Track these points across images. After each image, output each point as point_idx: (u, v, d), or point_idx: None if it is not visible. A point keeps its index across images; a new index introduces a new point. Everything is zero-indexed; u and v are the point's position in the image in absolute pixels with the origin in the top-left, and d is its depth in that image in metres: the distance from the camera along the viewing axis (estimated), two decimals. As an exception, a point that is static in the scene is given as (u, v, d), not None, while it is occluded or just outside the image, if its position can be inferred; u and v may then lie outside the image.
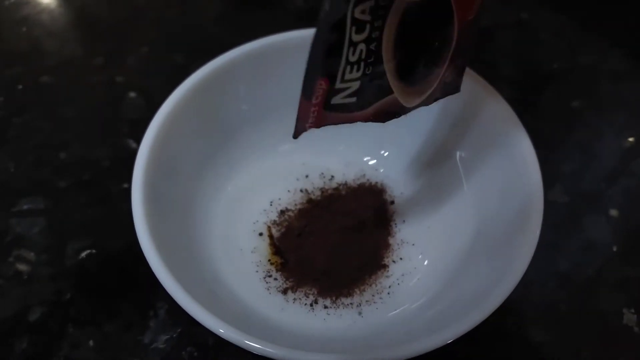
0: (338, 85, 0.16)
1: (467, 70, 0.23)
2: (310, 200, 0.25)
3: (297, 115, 0.17)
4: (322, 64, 0.16)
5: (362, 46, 0.16)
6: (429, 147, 0.25)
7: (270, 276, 0.23)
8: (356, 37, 0.16)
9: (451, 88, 0.20)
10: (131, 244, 0.25)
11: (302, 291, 0.22)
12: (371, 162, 0.26)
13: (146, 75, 0.32)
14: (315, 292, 0.22)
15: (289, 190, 0.26)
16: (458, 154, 0.24)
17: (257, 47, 0.24)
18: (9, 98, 0.31)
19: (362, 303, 0.22)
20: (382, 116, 0.19)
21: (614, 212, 0.27)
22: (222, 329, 0.17)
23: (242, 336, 0.17)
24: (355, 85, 0.17)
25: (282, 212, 0.25)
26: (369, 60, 0.16)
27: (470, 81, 0.23)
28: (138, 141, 0.22)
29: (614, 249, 0.25)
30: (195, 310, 0.18)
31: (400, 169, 0.26)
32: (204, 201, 0.24)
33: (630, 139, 0.29)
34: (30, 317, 0.23)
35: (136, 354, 0.22)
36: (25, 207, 0.27)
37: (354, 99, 0.17)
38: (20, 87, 0.31)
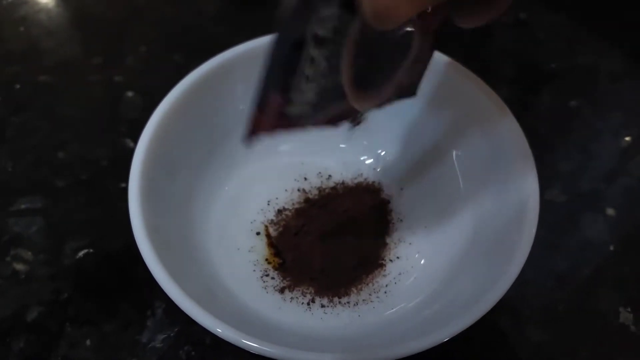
0: (293, 97, 0.16)
1: (463, 69, 0.23)
2: (307, 200, 0.25)
3: (247, 123, 0.17)
4: (277, 79, 0.16)
5: (321, 60, 0.16)
6: (425, 146, 0.25)
7: (267, 275, 0.23)
8: (315, 53, 0.16)
9: (407, 91, 0.20)
10: (129, 244, 0.25)
11: (299, 290, 0.23)
12: (368, 162, 0.26)
13: (145, 74, 0.32)
14: (313, 291, 0.22)
15: (286, 190, 0.26)
16: (454, 153, 0.24)
17: (255, 46, 0.24)
18: (7, 97, 0.31)
19: (359, 302, 0.22)
20: (335, 121, 0.19)
21: (611, 212, 0.27)
22: (219, 328, 0.17)
23: (240, 335, 0.17)
24: (311, 95, 0.17)
25: (280, 212, 0.25)
26: (326, 73, 0.16)
27: (467, 80, 0.23)
28: (136, 141, 0.22)
29: (611, 248, 0.25)
30: (192, 309, 0.18)
31: (397, 168, 0.26)
32: (201, 200, 0.24)
33: (628, 139, 0.29)
34: (28, 316, 0.23)
35: (134, 353, 0.22)
36: (23, 206, 0.27)
37: (309, 110, 0.17)
38: (18, 86, 0.31)
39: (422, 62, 0.19)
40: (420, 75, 0.20)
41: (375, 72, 0.18)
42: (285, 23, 0.15)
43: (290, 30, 0.15)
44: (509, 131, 0.21)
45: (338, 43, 0.16)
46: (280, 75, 0.16)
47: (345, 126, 0.19)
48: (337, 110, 0.18)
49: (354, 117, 0.19)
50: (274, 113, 0.17)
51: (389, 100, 0.19)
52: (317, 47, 0.15)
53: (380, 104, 0.19)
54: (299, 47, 0.15)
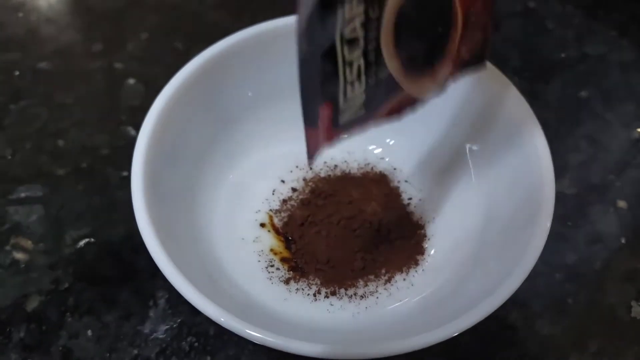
0: (342, 106, 0.16)
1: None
2: (313, 190, 0.25)
3: (306, 143, 0.16)
4: (320, 92, 0.15)
5: (358, 61, 0.15)
6: (435, 135, 0.24)
7: (272, 266, 0.23)
8: (350, 56, 0.15)
9: (473, 63, 0.18)
10: (130, 233, 0.25)
11: (304, 281, 0.22)
12: (376, 151, 0.26)
13: (146, 61, 0.31)
14: (319, 283, 0.22)
15: (291, 179, 0.25)
16: (466, 143, 0.23)
17: (259, 31, 0.23)
18: (6, 84, 0.30)
19: (366, 294, 0.22)
20: (396, 114, 0.18)
21: (622, 204, 0.26)
22: (223, 318, 0.17)
23: (244, 325, 0.17)
24: (361, 98, 0.16)
25: (285, 202, 0.24)
26: (369, 72, 0.16)
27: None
28: (137, 128, 0.21)
29: (622, 241, 0.25)
30: (196, 298, 0.17)
31: (405, 158, 0.25)
32: (205, 189, 0.23)
33: (639, 130, 0.29)
34: (28, 306, 0.23)
35: (136, 344, 0.22)
36: (22, 194, 0.26)
37: (362, 112, 0.16)
38: (17, 73, 0.31)
39: (480, 29, 0.17)
40: (481, 43, 0.18)
41: (423, 51, 0.17)
42: (305, 35, 0.14)
43: (314, 42, 0.14)
44: (525, 124, 0.21)
45: (371, 37, 0.15)
46: (320, 89, 0.15)
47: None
48: (396, 103, 0.17)
49: (417, 107, 0.18)
50: (327, 127, 0.16)
51: (452, 78, 0.18)
52: (350, 48, 0.15)
53: (442, 85, 0.18)
54: (330, 54, 0.14)
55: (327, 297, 0.22)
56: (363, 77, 0.16)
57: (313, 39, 0.14)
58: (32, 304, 0.23)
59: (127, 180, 0.26)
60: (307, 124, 0.16)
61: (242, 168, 0.25)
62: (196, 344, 0.22)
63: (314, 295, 0.22)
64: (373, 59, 0.15)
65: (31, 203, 0.26)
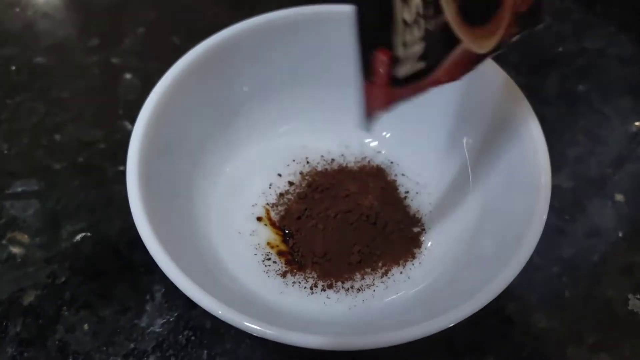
0: (400, 52, 0.14)
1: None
2: (310, 183, 0.25)
3: (361, 101, 0.15)
4: (374, 36, 0.14)
5: (417, 2, 0.14)
6: (432, 128, 0.24)
7: (269, 259, 0.23)
8: None
9: (530, 19, 0.17)
10: (127, 227, 0.25)
11: (301, 275, 0.22)
12: (372, 144, 0.26)
13: (143, 56, 0.31)
14: (315, 276, 0.22)
15: (288, 173, 0.25)
16: (463, 136, 0.23)
17: (255, 24, 0.23)
18: (3, 79, 0.30)
19: (363, 287, 0.22)
20: (456, 72, 0.16)
21: (619, 197, 0.26)
22: (220, 310, 0.17)
23: (241, 317, 0.17)
24: (420, 47, 0.15)
25: (281, 195, 0.24)
26: (427, 14, 0.14)
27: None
28: (134, 123, 0.21)
29: (620, 234, 0.25)
30: (193, 291, 0.17)
31: (401, 151, 0.25)
32: (201, 183, 0.23)
33: (637, 124, 0.29)
34: (24, 300, 0.23)
35: (132, 338, 0.22)
36: (19, 189, 0.26)
37: (422, 64, 0.15)
38: (13, 68, 0.31)
39: None
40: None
41: (482, 1, 0.16)
42: None
43: None
44: (523, 118, 0.21)
45: None
46: (376, 32, 0.14)
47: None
48: (455, 59, 0.16)
49: (475, 64, 0.17)
50: (384, 80, 0.14)
51: (511, 34, 0.17)
52: None
53: (502, 41, 0.17)
54: None
55: (324, 290, 0.22)
56: (422, 21, 0.14)
57: None
58: (29, 298, 0.23)
59: (123, 174, 0.26)
60: (363, 76, 0.14)
61: (238, 161, 0.25)
62: (193, 338, 0.22)
63: (311, 288, 0.22)
64: (431, 1, 0.15)
65: (28, 197, 0.26)
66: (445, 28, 0.15)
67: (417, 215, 0.24)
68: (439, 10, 0.15)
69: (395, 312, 0.20)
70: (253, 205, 0.24)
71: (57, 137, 0.28)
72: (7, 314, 0.22)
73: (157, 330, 0.22)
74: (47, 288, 0.23)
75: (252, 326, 0.17)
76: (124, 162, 0.27)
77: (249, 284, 0.21)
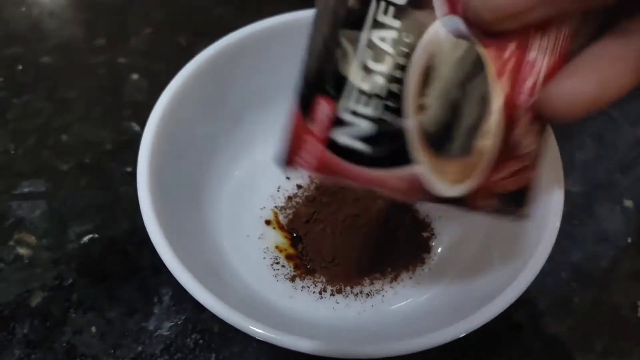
0: (343, 112, 0.13)
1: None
2: (318, 187, 0.24)
3: (286, 134, 0.13)
4: (324, 78, 0.13)
5: (379, 79, 0.13)
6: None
7: (277, 263, 0.23)
8: (373, 65, 0.13)
9: (514, 203, 0.15)
10: (134, 229, 0.25)
11: (310, 279, 0.22)
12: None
13: (149, 56, 0.31)
14: (324, 281, 0.22)
15: (296, 176, 0.25)
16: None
17: (266, 27, 0.23)
18: (9, 79, 0.30)
19: (372, 292, 0.22)
20: (410, 194, 0.14)
21: (628, 203, 0.26)
22: (227, 314, 0.17)
23: (249, 322, 0.17)
24: (368, 126, 0.13)
25: (290, 198, 0.24)
26: (388, 103, 0.13)
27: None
28: (141, 124, 0.21)
29: (629, 240, 0.25)
30: (201, 294, 0.17)
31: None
32: (210, 185, 0.23)
33: (646, 128, 0.29)
34: (31, 302, 0.23)
35: (140, 340, 0.22)
36: (26, 189, 0.26)
37: (365, 147, 0.13)
38: (20, 67, 0.31)
39: (529, 163, 0.14)
40: (524, 178, 0.14)
41: (455, 132, 0.14)
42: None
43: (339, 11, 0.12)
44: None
45: (400, 67, 0.13)
46: (326, 77, 0.13)
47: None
48: (405, 178, 0.14)
49: (437, 202, 0.14)
50: (321, 127, 0.13)
51: (488, 204, 0.14)
52: (377, 60, 0.13)
53: (475, 203, 0.14)
54: (357, 23, 0.12)
55: (333, 295, 0.22)
56: (379, 102, 0.13)
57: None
58: (36, 299, 0.23)
59: (130, 175, 0.26)
60: (299, 106, 0.13)
61: (247, 164, 0.25)
62: (201, 341, 0.22)
63: (320, 293, 0.22)
64: (395, 92, 0.13)
65: (34, 198, 0.26)
66: (402, 135, 0.13)
67: (426, 220, 0.23)
68: (401, 112, 0.13)
69: (404, 319, 0.20)
70: (262, 209, 0.24)
71: (64, 137, 0.28)
72: (14, 316, 0.22)
73: (165, 333, 0.22)
74: (54, 290, 0.23)
75: (259, 330, 0.17)
76: (131, 163, 0.27)
77: (258, 287, 0.21)
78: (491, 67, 0.14)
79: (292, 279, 0.22)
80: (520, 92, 0.14)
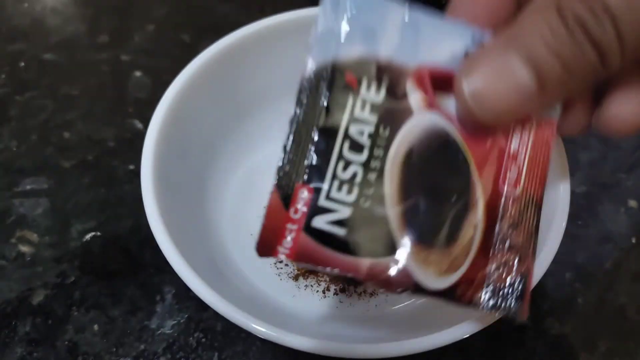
0: (322, 201, 0.13)
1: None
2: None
3: (266, 223, 0.13)
4: (302, 167, 0.13)
5: (356, 168, 0.13)
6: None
7: (280, 261, 0.22)
8: (350, 156, 0.13)
9: (508, 301, 0.14)
10: (137, 227, 0.25)
11: (313, 278, 0.22)
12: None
13: (152, 54, 0.31)
14: (327, 279, 0.22)
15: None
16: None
17: (270, 24, 0.23)
18: (11, 75, 0.30)
19: (376, 291, 0.22)
20: (390, 285, 0.14)
21: (632, 203, 0.26)
22: (230, 312, 0.17)
23: (252, 321, 0.17)
24: (346, 211, 0.13)
25: (293, 197, 0.24)
26: (365, 191, 0.14)
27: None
28: (144, 121, 0.21)
29: (633, 240, 0.25)
30: (204, 292, 0.17)
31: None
32: (214, 184, 0.23)
33: (651, 129, 0.28)
34: (33, 299, 0.23)
35: (142, 339, 0.22)
36: (28, 187, 0.26)
37: (342, 231, 0.13)
38: (22, 64, 0.31)
39: (518, 249, 0.14)
40: (519, 275, 0.14)
41: (432, 215, 0.14)
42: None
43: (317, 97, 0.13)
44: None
45: (377, 157, 0.14)
46: (306, 164, 0.13)
47: None
48: (385, 267, 0.13)
49: (420, 294, 0.14)
50: (302, 216, 0.13)
51: (476, 297, 0.14)
52: (353, 150, 0.13)
53: (463, 297, 0.14)
54: (329, 136, 0.13)
55: (336, 294, 0.22)
56: (356, 189, 0.13)
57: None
58: (38, 297, 0.23)
59: (133, 173, 0.26)
60: (279, 193, 0.13)
61: (251, 162, 0.25)
62: (203, 340, 0.22)
63: (323, 292, 0.22)
64: (372, 181, 0.14)
65: (37, 195, 0.26)
66: (384, 223, 0.13)
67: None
68: (381, 201, 0.13)
69: (408, 319, 0.20)
70: (265, 207, 0.24)
71: (67, 134, 0.28)
72: (16, 314, 0.22)
73: (168, 331, 0.22)
74: (56, 288, 0.23)
75: (261, 329, 0.16)
76: (133, 161, 0.27)
77: (261, 286, 0.21)
78: (471, 159, 0.14)
79: (296, 278, 0.22)
80: (504, 182, 0.14)
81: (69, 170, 0.26)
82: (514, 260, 0.14)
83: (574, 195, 0.26)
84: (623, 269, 0.24)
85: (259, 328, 0.16)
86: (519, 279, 0.14)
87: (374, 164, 0.14)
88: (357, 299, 0.22)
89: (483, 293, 0.14)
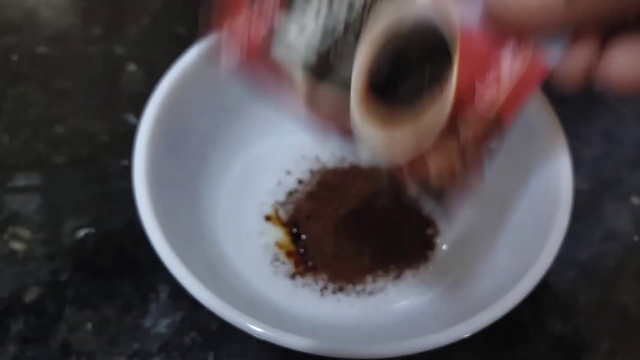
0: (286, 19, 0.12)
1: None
2: (320, 182, 0.24)
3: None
4: None
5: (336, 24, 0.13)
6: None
7: (277, 260, 0.22)
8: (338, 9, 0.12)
9: (435, 187, 0.14)
10: (131, 224, 0.24)
11: (311, 277, 0.22)
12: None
13: (147, 47, 0.30)
14: (326, 278, 0.22)
15: (297, 171, 0.24)
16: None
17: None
18: (4, 69, 0.30)
19: (375, 291, 0.21)
20: (338, 126, 0.13)
21: (636, 200, 0.26)
22: (225, 312, 0.16)
23: (247, 320, 0.16)
24: (311, 37, 0.12)
25: (290, 194, 0.24)
26: (342, 19, 0.13)
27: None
28: (138, 116, 0.21)
29: (635, 238, 0.24)
30: (198, 291, 0.17)
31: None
32: (209, 180, 0.23)
33: (655, 125, 0.28)
34: (26, 297, 0.22)
35: (136, 338, 0.21)
36: (20, 183, 0.26)
37: (299, 59, 0.12)
38: (15, 57, 0.30)
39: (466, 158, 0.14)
40: (473, 160, 0.14)
41: (406, 82, 0.13)
42: None
43: None
44: (542, 117, 0.20)
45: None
46: None
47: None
48: (340, 107, 0.13)
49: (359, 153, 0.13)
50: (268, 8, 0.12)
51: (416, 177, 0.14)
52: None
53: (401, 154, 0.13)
54: None
55: (335, 293, 0.21)
56: (321, 19, 0.13)
57: None
58: (31, 295, 0.22)
59: (127, 169, 0.26)
60: None
61: (246, 158, 0.24)
62: (199, 339, 0.21)
63: (321, 290, 0.21)
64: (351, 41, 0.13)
65: (29, 191, 0.25)
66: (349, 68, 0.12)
67: (430, 217, 0.23)
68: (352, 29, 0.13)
69: (408, 318, 0.20)
70: (261, 204, 0.23)
71: (59, 129, 0.27)
72: (8, 312, 0.22)
73: (162, 330, 0.22)
74: (49, 285, 0.23)
75: (258, 329, 0.16)
76: (127, 156, 0.26)
77: (257, 285, 0.21)
78: (457, 54, 0.13)
79: (293, 277, 0.22)
80: (480, 93, 0.14)
81: (62, 166, 0.26)
82: (454, 158, 0.14)
83: (577, 192, 0.25)
84: (626, 267, 0.24)
85: (255, 328, 0.16)
86: (452, 176, 0.14)
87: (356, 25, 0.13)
88: (355, 297, 0.21)
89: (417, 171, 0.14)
